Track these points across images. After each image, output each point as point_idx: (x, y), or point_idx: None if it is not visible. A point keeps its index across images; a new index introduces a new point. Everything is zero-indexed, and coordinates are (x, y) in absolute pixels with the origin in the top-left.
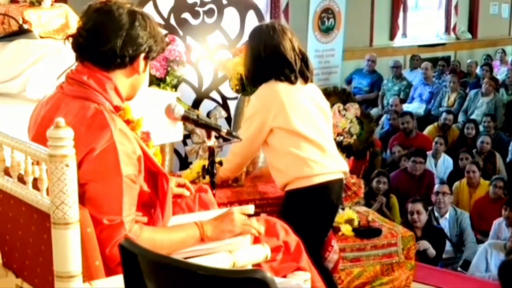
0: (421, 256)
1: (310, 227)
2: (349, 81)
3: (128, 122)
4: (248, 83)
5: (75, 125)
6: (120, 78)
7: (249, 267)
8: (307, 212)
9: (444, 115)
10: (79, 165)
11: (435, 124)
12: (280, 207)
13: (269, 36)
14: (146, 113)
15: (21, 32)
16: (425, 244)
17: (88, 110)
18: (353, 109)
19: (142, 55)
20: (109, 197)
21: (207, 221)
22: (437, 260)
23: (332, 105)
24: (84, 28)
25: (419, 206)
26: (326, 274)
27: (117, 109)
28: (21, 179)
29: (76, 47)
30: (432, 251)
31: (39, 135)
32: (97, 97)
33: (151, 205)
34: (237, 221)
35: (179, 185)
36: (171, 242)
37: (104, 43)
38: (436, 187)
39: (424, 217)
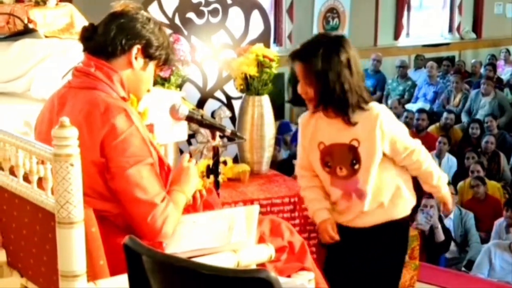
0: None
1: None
2: None
3: None
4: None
5: (89, 110)
6: (119, 70)
7: (254, 266)
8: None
9: (445, 114)
10: (102, 147)
11: (437, 124)
12: (386, 240)
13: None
14: (150, 113)
15: (26, 31)
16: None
17: (98, 98)
18: None
19: (137, 46)
20: (148, 178)
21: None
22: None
23: None
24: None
25: (432, 202)
26: None
27: (124, 99)
28: (26, 179)
29: (82, 39)
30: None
31: (46, 133)
32: (104, 87)
33: None
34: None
35: None
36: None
37: (103, 33)
38: None
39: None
